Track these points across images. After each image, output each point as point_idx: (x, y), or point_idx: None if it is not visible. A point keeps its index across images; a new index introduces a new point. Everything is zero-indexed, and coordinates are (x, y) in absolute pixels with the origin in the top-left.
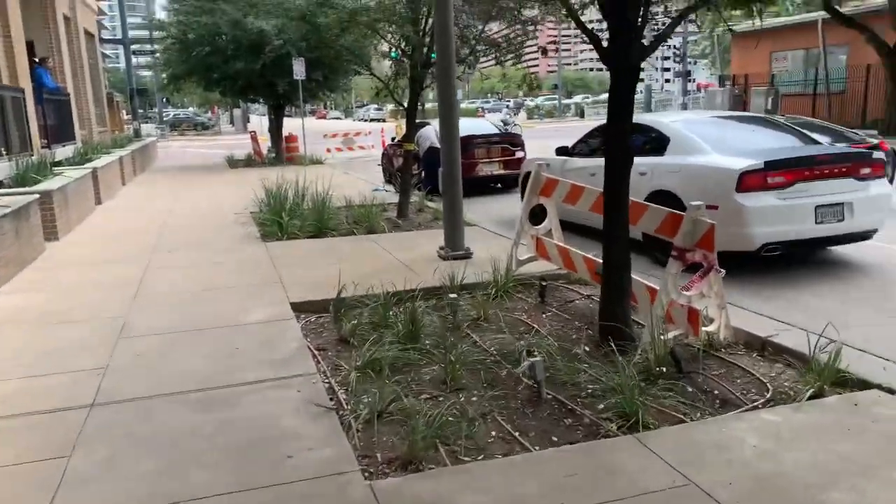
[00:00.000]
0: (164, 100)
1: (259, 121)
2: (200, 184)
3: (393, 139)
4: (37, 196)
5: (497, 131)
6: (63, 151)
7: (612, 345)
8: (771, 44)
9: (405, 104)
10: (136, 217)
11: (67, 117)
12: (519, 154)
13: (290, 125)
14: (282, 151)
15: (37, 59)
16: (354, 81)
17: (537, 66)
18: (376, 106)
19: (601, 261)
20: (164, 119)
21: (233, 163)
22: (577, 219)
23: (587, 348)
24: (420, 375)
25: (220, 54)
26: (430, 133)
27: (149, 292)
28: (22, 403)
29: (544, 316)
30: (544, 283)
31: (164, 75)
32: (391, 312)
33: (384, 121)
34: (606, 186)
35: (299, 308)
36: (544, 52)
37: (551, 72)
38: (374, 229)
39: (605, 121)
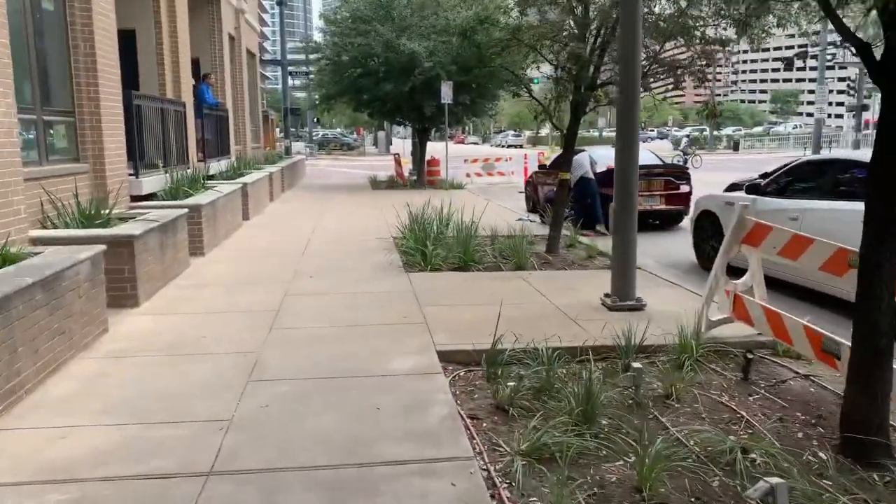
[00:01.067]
0: (315, 119)
1: (401, 144)
2: (344, 204)
3: (542, 166)
4: (186, 211)
5: (660, 162)
6: (217, 165)
7: (865, 461)
8: None
9: (561, 128)
10: (281, 236)
11: (224, 132)
12: (684, 188)
13: (431, 149)
14: (423, 174)
15: (201, 76)
16: (500, 106)
17: (683, 95)
18: (514, 132)
19: (827, 334)
20: (314, 138)
21: (375, 184)
22: (780, 273)
23: (824, 456)
24: (602, 473)
25: (371, 76)
26: (584, 161)
27: (285, 324)
28: (124, 463)
29: (751, 399)
30: (750, 356)
31: (316, 95)
32: (557, 374)
33: (521, 147)
34: (866, 243)
35: (447, 358)
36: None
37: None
38: (523, 265)
39: (799, 156)
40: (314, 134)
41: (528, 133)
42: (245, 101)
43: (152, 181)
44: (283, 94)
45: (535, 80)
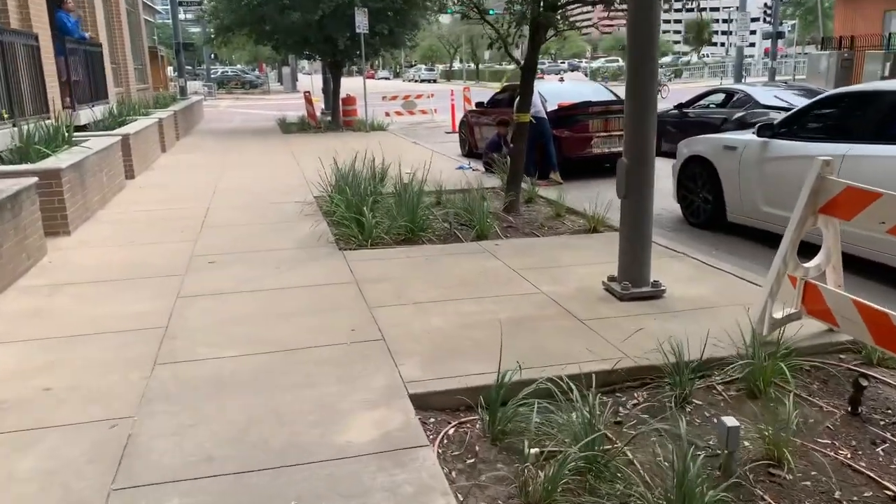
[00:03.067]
0: (212, 56)
1: (308, 80)
2: (251, 153)
3: (479, 104)
4: (34, 181)
5: (616, 97)
6: (90, 113)
7: None
8: (884, 1)
9: (517, 60)
10: (174, 199)
11: (99, 73)
12: None
13: (344, 86)
14: (339, 115)
15: (56, 2)
16: (422, 35)
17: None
18: (427, 66)
19: None
20: (212, 76)
21: (285, 127)
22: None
23: None
24: None
25: (273, 4)
26: (535, 98)
27: (176, 353)
28: None
29: (879, 452)
30: (865, 384)
31: (211, 28)
32: (600, 428)
33: (435, 81)
34: None
35: (424, 403)
36: None
37: (605, 32)
38: (485, 233)
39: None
40: (212, 72)
41: (441, 67)
42: (125, 36)
43: None
44: (174, 28)
45: (491, 11)
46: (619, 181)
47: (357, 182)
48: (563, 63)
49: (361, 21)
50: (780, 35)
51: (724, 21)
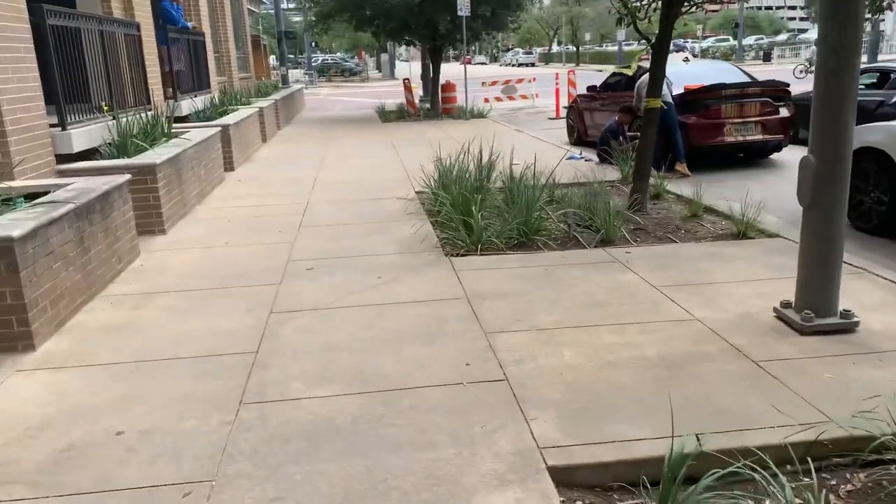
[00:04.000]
0: (313, 44)
1: (406, 67)
2: (350, 142)
3: (591, 88)
4: (126, 178)
5: (750, 79)
6: (191, 104)
7: None
8: None
9: (647, 36)
10: (272, 194)
11: (201, 62)
12: (784, 112)
13: (442, 72)
14: (438, 102)
15: None
16: (523, 18)
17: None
18: (524, 50)
19: None
20: (313, 65)
21: (384, 115)
22: None
23: None
24: None
25: None
26: None
27: (261, 392)
28: None
29: None
30: None
31: (311, 15)
32: None
33: (534, 65)
34: None
35: (568, 480)
36: None
37: (713, 10)
38: (611, 237)
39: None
40: (313, 60)
41: (538, 50)
42: (227, 24)
43: (88, 133)
44: (276, 16)
45: None
46: (801, 185)
47: (461, 176)
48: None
49: (463, 3)
50: None
51: None
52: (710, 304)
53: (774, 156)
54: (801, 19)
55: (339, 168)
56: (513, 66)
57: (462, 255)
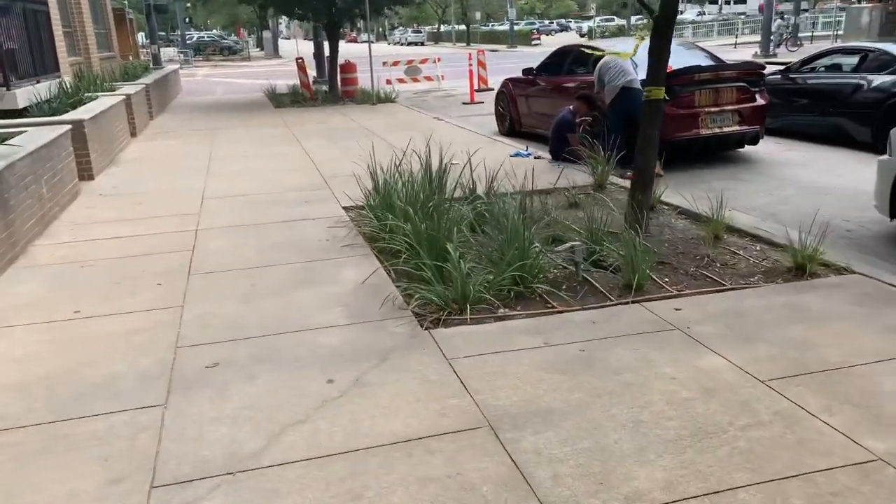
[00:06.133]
0: (187, 20)
1: (291, 45)
2: (242, 136)
3: (528, 71)
4: None
5: (724, 62)
6: (32, 92)
7: None
8: None
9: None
10: (144, 219)
11: (45, 38)
12: (760, 100)
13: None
14: (337, 84)
15: None
16: None
17: None
18: (413, 29)
19: None
20: (187, 42)
21: (276, 99)
22: None
23: None
24: None
25: None
26: (624, 64)
27: None
28: None
29: None
30: None
31: None
32: None
33: (423, 44)
34: None
35: None
36: None
37: None
38: (641, 283)
39: None
40: (187, 37)
41: (428, 29)
42: None
43: None
44: None
45: None
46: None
47: (409, 186)
48: (552, 24)
49: None
50: None
51: None
52: (871, 416)
53: (748, 149)
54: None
55: (234, 173)
56: (402, 45)
57: (444, 322)
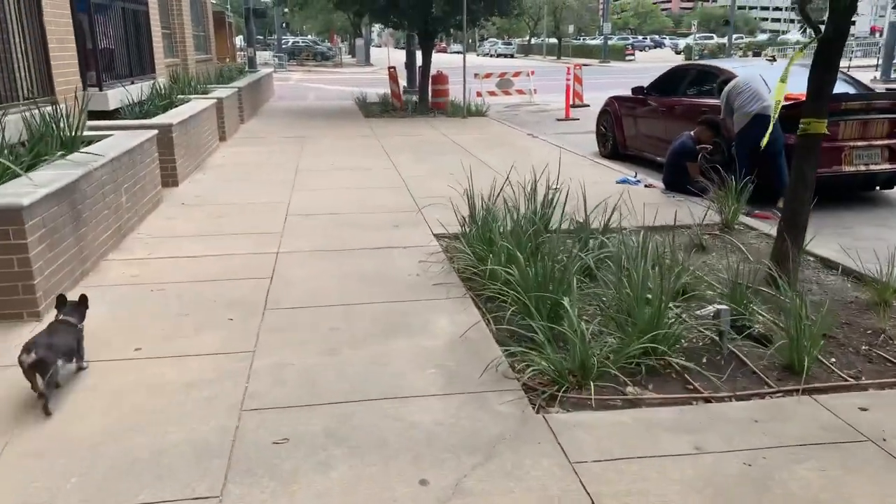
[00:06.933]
0: (284, 25)
1: (383, 53)
2: (331, 146)
3: (639, 89)
4: None
5: (871, 89)
6: (124, 94)
7: None
8: None
9: (816, 27)
10: (225, 236)
11: (143, 39)
12: None
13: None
14: (427, 96)
15: None
16: (526, 4)
17: (670, 1)
18: (503, 41)
19: None
20: (283, 47)
21: (365, 108)
22: None
23: None
24: None
25: None
26: (759, 87)
27: None
28: None
29: None
30: None
31: None
32: None
33: (512, 56)
34: None
35: None
36: None
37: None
38: (802, 364)
39: None
40: (283, 42)
41: (517, 41)
42: None
43: None
44: None
45: None
46: None
47: (510, 216)
48: (645, 39)
49: None
50: None
51: None
52: None
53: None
54: (788, 21)
55: (320, 186)
56: (491, 56)
57: (561, 403)
